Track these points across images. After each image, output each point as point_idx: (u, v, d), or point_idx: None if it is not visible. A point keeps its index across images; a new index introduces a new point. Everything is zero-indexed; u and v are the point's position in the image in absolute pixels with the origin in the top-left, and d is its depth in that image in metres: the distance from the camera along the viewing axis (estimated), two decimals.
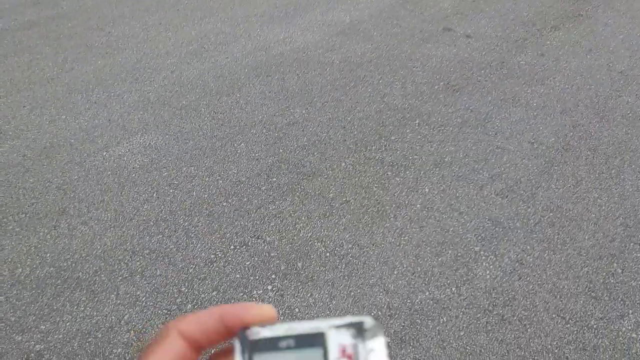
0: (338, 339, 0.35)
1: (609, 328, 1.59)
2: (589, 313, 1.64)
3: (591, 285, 1.73)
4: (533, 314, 1.64)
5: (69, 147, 2.57)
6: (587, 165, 2.28)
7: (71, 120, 2.80)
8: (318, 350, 0.35)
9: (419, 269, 1.81)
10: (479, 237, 1.93)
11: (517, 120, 2.63)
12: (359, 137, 2.54)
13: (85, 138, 2.63)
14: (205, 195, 2.21)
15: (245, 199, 2.18)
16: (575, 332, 1.58)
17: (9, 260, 1.93)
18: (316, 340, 0.36)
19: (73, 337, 1.64)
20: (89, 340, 1.63)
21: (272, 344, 0.35)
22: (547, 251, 1.86)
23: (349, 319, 0.36)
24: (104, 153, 2.51)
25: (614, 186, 2.15)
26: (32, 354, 1.59)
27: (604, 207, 2.05)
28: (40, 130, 2.72)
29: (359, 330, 0.36)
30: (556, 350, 1.53)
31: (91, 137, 2.64)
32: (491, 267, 1.81)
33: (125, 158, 2.47)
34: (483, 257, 1.84)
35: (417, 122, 2.65)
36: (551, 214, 2.03)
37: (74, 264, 1.90)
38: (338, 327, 0.36)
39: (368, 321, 0.36)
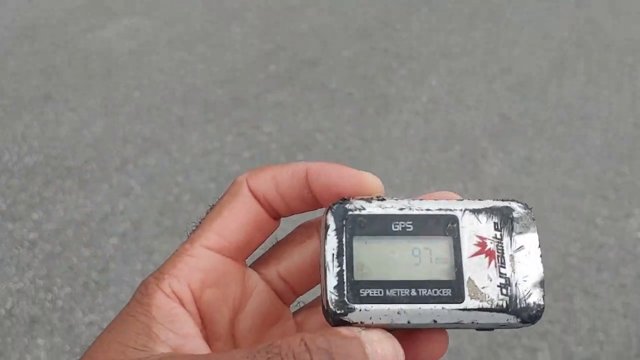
0: (475, 227, 0.26)
1: (615, 227, 1.57)
2: (595, 212, 1.61)
3: (599, 184, 1.69)
4: (540, 212, 1.61)
5: (51, 28, 2.39)
6: (600, 63, 2.18)
7: None
8: (445, 240, 0.26)
9: (425, 164, 1.75)
10: (488, 133, 1.86)
11: (529, 12, 2.49)
12: (362, 25, 2.39)
13: (67, 19, 2.45)
14: (200, 83, 2.09)
15: (241, 88, 2.07)
16: (582, 230, 1.56)
17: None
18: (443, 225, 0.26)
19: (67, 227, 1.59)
20: (84, 229, 1.58)
21: (381, 225, 0.26)
22: (556, 149, 1.81)
23: (491, 202, 0.26)
24: (89, 36, 2.34)
25: (626, 84, 2.07)
26: (26, 242, 1.54)
27: (615, 106, 1.98)
28: (18, 10, 2.52)
29: (505, 220, 0.26)
30: (562, 248, 1.51)
31: (73, 18, 2.45)
32: (499, 163, 1.75)
33: (111, 42, 2.31)
34: (491, 154, 1.79)
35: (424, 10, 2.49)
36: (562, 111, 1.95)
37: (63, 152, 1.81)
38: (476, 211, 0.26)
39: (518, 208, 0.27)
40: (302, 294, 0.32)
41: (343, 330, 0.24)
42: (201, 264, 0.27)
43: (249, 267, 0.31)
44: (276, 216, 0.30)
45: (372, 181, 0.28)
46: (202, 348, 0.26)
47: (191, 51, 2.25)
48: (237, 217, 0.28)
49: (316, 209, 0.29)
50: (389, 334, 0.25)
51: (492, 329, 0.26)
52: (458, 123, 1.90)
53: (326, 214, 0.26)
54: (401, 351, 0.24)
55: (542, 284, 0.25)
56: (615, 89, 2.05)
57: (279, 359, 0.22)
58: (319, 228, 0.30)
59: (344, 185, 0.28)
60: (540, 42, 2.29)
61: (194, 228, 0.29)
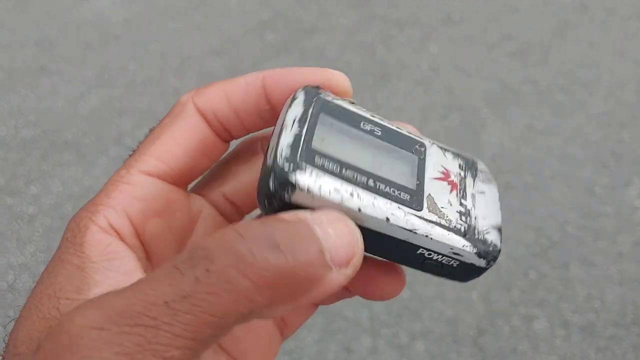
0: (441, 159, 0.25)
1: (613, 195, 1.57)
2: (595, 180, 1.61)
3: (599, 153, 1.68)
4: (539, 181, 1.60)
5: None
6: (602, 28, 2.15)
7: None
8: (411, 156, 0.24)
9: (424, 133, 1.73)
10: (487, 101, 1.84)
11: None
12: None
13: None
14: (196, 53, 2.06)
15: (238, 57, 2.04)
16: (581, 199, 1.56)
17: None
18: (411, 145, 0.25)
19: (66, 200, 1.59)
20: (83, 203, 1.58)
21: (350, 118, 0.24)
22: (556, 117, 1.79)
23: (458, 150, 0.27)
24: (83, 5, 2.30)
25: (630, 51, 2.04)
26: (26, 216, 1.55)
27: (617, 73, 1.95)
28: None
29: (470, 165, 0.26)
30: (560, 217, 1.51)
31: None
32: (499, 132, 1.74)
33: (106, 12, 2.27)
34: (491, 122, 1.77)
35: None
36: (563, 78, 1.93)
37: (59, 125, 1.80)
38: (444, 148, 0.26)
39: (482, 164, 0.27)
40: (248, 214, 0.29)
41: (285, 215, 0.20)
42: (140, 191, 0.24)
43: (192, 190, 0.28)
44: (228, 138, 0.26)
45: (340, 79, 0.25)
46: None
47: (186, 20, 2.22)
48: (180, 140, 0.25)
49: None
50: (341, 213, 0.21)
51: (442, 266, 0.23)
52: (458, 91, 1.88)
53: (296, 91, 0.24)
54: (357, 232, 0.21)
55: (500, 230, 0.24)
56: (618, 55, 2.02)
57: (208, 264, 0.18)
58: (264, 144, 0.28)
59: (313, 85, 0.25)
60: (542, 7, 2.25)
61: (130, 153, 0.26)
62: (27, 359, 0.20)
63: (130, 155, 0.25)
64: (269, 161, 0.21)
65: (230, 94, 0.26)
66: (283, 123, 0.22)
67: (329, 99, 0.24)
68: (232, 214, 0.28)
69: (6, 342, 0.22)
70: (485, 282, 1.37)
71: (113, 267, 0.22)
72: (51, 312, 0.21)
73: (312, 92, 0.24)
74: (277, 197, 0.21)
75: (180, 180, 0.25)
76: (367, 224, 0.22)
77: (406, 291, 1.34)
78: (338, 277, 0.19)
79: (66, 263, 0.22)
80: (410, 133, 0.25)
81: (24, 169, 1.67)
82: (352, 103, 0.25)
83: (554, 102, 1.84)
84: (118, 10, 2.27)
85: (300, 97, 0.23)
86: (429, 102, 1.84)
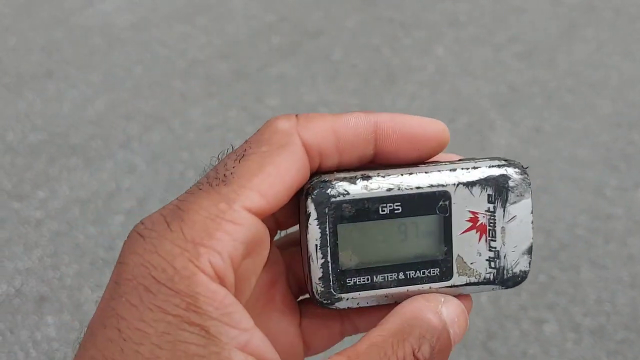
0: (467, 202, 0.25)
1: (624, 197, 1.56)
2: (604, 182, 1.60)
3: (608, 154, 1.67)
4: (548, 183, 1.59)
5: (50, 3, 2.36)
6: (610, 28, 2.13)
7: None
8: (436, 218, 0.24)
9: None
10: (495, 103, 1.83)
11: None
12: None
13: None
14: (201, 56, 2.07)
15: (243, 61, 2.04)
16: (590, 200, 1.55)
17: None
18: (434, 204, 0.24)
19: (73, 205, 1.59)
20: (90, 207, 1.58)
21: (367, 209, 0.23)
22: (565, 118, 1.78)
23: (487, 171, 0.25)
24: (89, 10, 2.31)
25: (637, 51, 2.03)
26: (33, 221, 1.55)
27: (625, 73, 1.94)
28: None
29: (500, 190, 0.25)
30: (569, 219, 1.50)
31: None
32: (507, 134, 1.73)
33: (111, 16, 2.28)
34: (499, 124, 1.76)
35: None
36: (571, 79, 1.92)
37: (66, 130, 1.81)
38: (470, 184, 0.25)
39: (514, 175, 0.26)
40: (285, 229, 0.28)
41: (432, 318, 0.24)
42: (245, 234, 0.21)
43: None
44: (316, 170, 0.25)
45: (444, 134, 0.26)
46: (265, 341, 0.21)
47: (192, 24, 2.22)
48: (285, 177, 0.22)
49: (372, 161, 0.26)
50: (463, 307, 0.26)
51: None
52: (465, 93, 1.87)
53: (305, 200, 0.24)
54: (467, 318, 0.26)
55: (530, 250, 0.26)
56: (626, 56, 2.01)
57: None
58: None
59: (424, 145, 0.24)
60: (549, 8, 2.24)
61: (216, 176, 0.23)
62: None
63: (222, 181, 0.22)
64: (310, 291, 0.24)
65: (340, 133, 0.24)
66: (308, 252, 0.23)
67: (341, 198, 0.23)
68: (273, 228, 0.27)
69: None
70: None
71: (233, 323, 0.20)
72: None
73: (323, 199, 0.23)
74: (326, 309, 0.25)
75: (273, 219, 0.25)
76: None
77: None
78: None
79: (183, 322, 0.19)
80: (432, 186, 0.24)
81: (31, 174, 1.67)
82: (366, 177, 0.24)
83: (562, 104, 1.83)
84: (124, 15, 2.28)
85: (313, 213, 0.23)
86: (435, 104, 1.84)
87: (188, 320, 0.19)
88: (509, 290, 1.33)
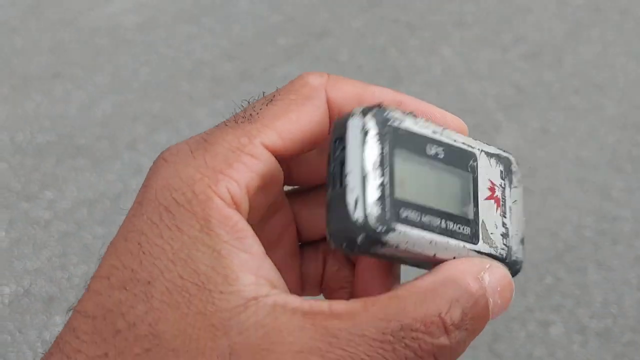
0: (488, 171, 0.26)
1: (630, 199, 1.56)
2: (610, 183, 1.60)
3: (614, 156, 1.67)
4: (554, 185, 1.59)
5: (56, 4, 2.37)
6: (617, 29, 2.13)
7: None
8: (469, 176, 0.25)
9: None
10: (501, 104, 1.84)
11: None
12: None
13: None
14: (207, 57, 2.07)
15: (249, 62, 2.05)
16: (597, 202, 1.55)
17: (7, 126, 1.84)
18: (467, 161, 0.25)
19: (81, 205, 1.60)
20: (97, 208, 1.59)
21: (418, 144, 0.24)
22: (570, 120, 1.78)
23: (496, 149, 0.27)
24: (95, 11, 2.32)
25: None
26: (42, 221, 1.56)
27: (631, 74, 1.94)
28: None
29: (507, 170, 0.27)
30: (576, 221, 1.50)
31: None
32: (513, 135, 1.73)
33: (118, 17, 2.29)
34: (504, 125, 1.76)
35: None
36: (576, 80, 1.92)
37: (73, 130, 1.82)
38: (489, 154, 0.27)
39: (514, 162, 0.28)
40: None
41: (471, 284, 0.22)
42: (261, 167, 0.22)
43: None
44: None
45: (460, 124, 0.27)
46: (275, 270, 0.22)
47: (198, 24, 2.23)
48: (305, 125, 0.24)
49: None
50: (509, 277, 0.24)
51: None
52: (470, 94, 1.88)
53: (364, 116, 0.23)
54: (513, 285, 0.24)
55: (523, 241, 0.26)
56: (632, 56, 2.00)
57: (417, 346, 0.20)
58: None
59: (443, 122, 0.26)
60: (555, 8, 2.24)
61: (244, 115, 0.24)
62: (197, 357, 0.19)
63: (247, 119, 0.23)
64: (358, 217, 0.21)
65: (364, 100, 0.25)
66: (363, 170, 0.22)
67: (397, 124, 0.23)
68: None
69: (132, 322, 0.20)
70: None
71: (245, 248, 0.21)
72: (207, 308, 0.20)
73: (382, 119, 0.23)
74: (362, 249, 0.21)
75: (286, 164, 0.25)
76: (436, 261, 0.23)
77: None
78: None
79: (196, 242, 0.20)
80: (464, 143, 0.26)
81: (39, 174, 1.69)
82: (414, 116, 0.24)
83: (568, 105, 1.83)
84: (130, 16, 2.29)
85: (372, 130, 0.22)
86: (441, 105, 1.81)
87: (201, 241, 0.20)
88: (515, 291, 1.33)
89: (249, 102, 0.26)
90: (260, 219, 0.24)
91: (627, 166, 1.64)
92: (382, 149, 0.22)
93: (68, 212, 1.58)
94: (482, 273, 0.22)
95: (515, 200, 0.26)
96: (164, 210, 0.21)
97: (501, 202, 0.25)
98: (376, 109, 0.23)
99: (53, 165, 1.71)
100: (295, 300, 0.21)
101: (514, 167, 0.27)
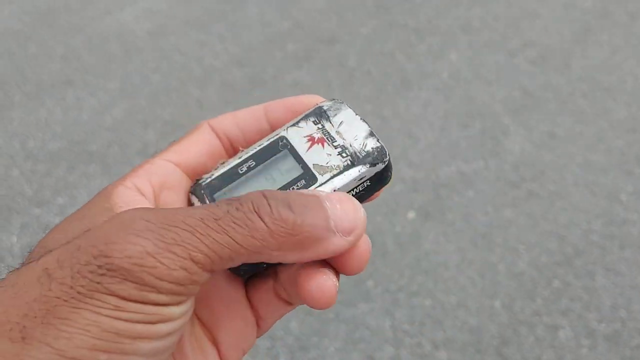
0: (300, 132, 0.30)
1: (639, 202, 1.55)
2: (619, 187, 1.59)
3: (623, 159, 1.67)
4: (562, 188, 1.59)
5: (69, 12, 2.41)
6: (625, 33, 2.12)
7: None
8: (283, 154, 0.30)
9: (445, 142, 1.74)
10: (509, 108, 1.83)
11: None
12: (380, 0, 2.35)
13: (85, 2, 2.46)
14: (217, 64, 2.09)
15: (259, 68, 2.06)
16: (605, 206, 1.54)
17: (19, 133, 1.87)
18: (277, 146, 0.30)
19: None
20: None
21: (230, 175, 0.30)
22: (579, 123, 1.78)
23: (304, 113, 0.31)
24: (107, 19, 2.35)
25: None
26: (53, 226, 1.58)
27: None
28: None
29: (319, 114, 0.31)
30: (584, 224, 1.50)
31: (92, 1, 2.46)
32: (520, 139, 1.73)
33: (129, 24, 2.31)
34: (512, 130, 1.76)
35: None
36: (584, 84, 1.91)
37: (85, 137, 1.84)
38: (295, 123, 0.31)
39: (325, 104, 0.31)
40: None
41: (304, 190, 0.26)
42: (160, 170, 0.29)
43: None
44: (233, 152, 0.32)
45: (312, 100, 0.32)
46: (146, 202, 0.29)
47: (208, 31, 2.25)
48: (195, 144, 0.31)
49: None
50: (349, 195, 0.27)
51: (364, 192, 0.29)
52: (478, 99, 1.88)
53: (189, 196, 0.31)
54: (362, 210, 0.26)
55: (372, 134, 0.29)
56: None
57: (238, 204, 0.24)
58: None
59: (294, 111, 0.31)
60: (563, 12, 2.23)
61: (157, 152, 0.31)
62: (69, 242, 0.24)
63: (157, 153, 0.31)
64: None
65: (239, 118, 0.32)
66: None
67: (208, 179, 0.30)
68: None
69: (30, 250, 0.27)
70: (508, 291, 1.36)
71: (132, 209, 0.26)
72: (78, 228, 0.26)
73: (197, 186, 0.30)
74: None
75: (192, 172, 0.31)
76: None
77: (428, 299, 1.34)
78: (341, 241, 0.25)
79: (95, 206, 0.27)
80: (270, 139, 0.30)
81: (51, 180, 1.71)
82: (223, 162, 0.31)
83: (576, 108, 1.83)
84: (141, 23, 2.31)
85: (194, 198, 0.30)
86: (449, 110, 1.84)
87: (100, 206, 0.28)
88: (523, 296, 1.32)
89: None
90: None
91: (636, 169, 1.63)
92: (204, 202, 0.29)
93: None
94: (329, 220, 0.25)
95: (341, 122, 0.30)
96: (94, 198, 0.29)
97: (325, 137, 0.30)
98: (192, 185, 0.31)
99: (64, 171, 1.73)
100: (144, 204, 0.28)
101: (326, 106, 0.30)
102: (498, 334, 1.29)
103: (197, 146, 0.31)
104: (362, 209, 0.26)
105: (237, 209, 0.24)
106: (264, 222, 0.24)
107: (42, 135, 1.85)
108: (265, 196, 0.24)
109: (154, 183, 0.29)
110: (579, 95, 1.88)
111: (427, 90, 1.92)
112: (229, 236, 0.23)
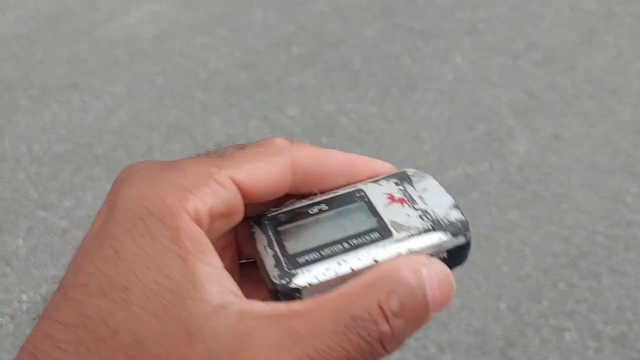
0: (380, 189, 0.29)
1: None
2: (625, 189, 1.58)
3: (629, 161, 1.66)
4: (567, 190, 1.58)
5: (74, 16, 2.42)
6: (630, 34, 2.12)
7: None
8: (358, 204, 0.28)
9: (450, 144, 1.74)
10: (514, 111, 1.83)
11: None
12: (385, 2, 2.36)
13: (90, 6, 2.47)
14: (222, 67, 2.10)
15: (264, 71, 2.07)
16: (610, 208, 1.54)
17: (25, 136, 1.88)
18: (353, 196, 0.29)
19: (96, 213, 1.62)
20: None
21: (299, 214, 0.28)
22: (584, 125, 1.77)
23: (386, 174, 0.30)
24: (112, 23, 2.36)
25: None
26: (59, 230, 1.58)
27: None
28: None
29: (403, 177, 0.29)
30: (589, 226, 1.49)
31: (96, 5, 2.48)
32: (526, 142, 1.73)
33: (134, 28, 2.33)
34: (517, 132, 1.76)
35: None
36: (590, 86, 1.91)
37: (90, 140, 1.85)
38: (376, 180, 0.29)
39: (410, 170, 0.30)
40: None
41: (408, 276, 0.23)
42: (226, 195, 0.24)
43: None
44: (302, 192, 0.29)
45: (393, 167, 0.30)
46: (232, 280, 0.23)
47: (212, 35, 2.25)
48: (269, 175, 0.26)
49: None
50: (448, 270, 0.24)
51: (444, 259, 0.27)
52: (484, 101, 1.88)
53: (251, 226, 0.28)
54: (453, 284, 0.24)
55: (457, 206, 0.27)
56: None
57: (366, 334, 0.22)
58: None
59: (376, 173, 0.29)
60: (568, 14, 2.23)
61: (215, 152, 0.26)
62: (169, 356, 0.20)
63: (219, 156, 0.26)
64: (270, 286, 0.25)
65: (324, 162, 0.28)
66: (258, 253, 0.27)
67: (275, 212, 0.28)
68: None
69: (93, 325, 0.21)
70: (513, 293, 1.36)
71: (207, 260, 0.22)
72: (182, 313, 0.21)
73: (261, 216, 0.28)
74: (289, 299, 0.25)
75: (250, 200, 0.27)
76: (362, 270, 0.26)
77: None
78: (430, 318, 0.24)
79: (168, 250, 0.22)
80: (346, 188, 0.29)
81: (56, 183, 1.72)
82: (293, 202, 0.29)
83: (582, 110, 1.83)
84: (146, 27, 2.32)
85: (256, 227, 0.28)
86: (454, 112, 1.84)
87: (171, 250, 0.22)
88: (528, 298, 1.32)
89: (219, 146, 0.28)
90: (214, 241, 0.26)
91: None
92: (267, 233, 0.27)
93: (85, 220, 1.61)
94: (420, 267, 0.23)
95: (425, 189, 0.28)
96: (137, 218, 0.22)
97: (406, 199, 0.28)
98: (258, 217, 0.29)
99: (70, 174, 1.74)
100: (258, 305, 0.22)
101: (410, 172, 0.29)
102: (503, 336, 1.29)
103: (272, 177, 0.26)
104: (451, 277, 0.24)
105: (360, 335, 0.22)
106: (386, 350, 0.22)
107: (48, 138, 1.86)
108: (386, 316, 0.22)
109: (214, 212, 0.24)
110: (584, 97, 1.87)
111: (432, 93, 1.92)
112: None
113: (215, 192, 0.24)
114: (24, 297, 1.44)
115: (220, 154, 0.26)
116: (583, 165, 1.65)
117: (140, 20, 2.36)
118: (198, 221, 0.23)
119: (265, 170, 0.26)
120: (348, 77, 2.01)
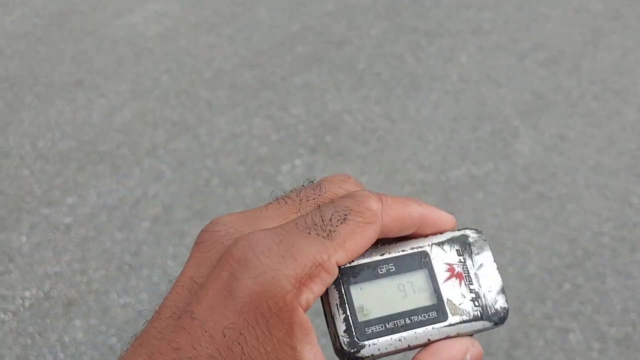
0: (442, 257, 0.32)
1: None
2: (630, 190, 1.57)
3: (634, 162, 1.65)
4: (573, 191, 1.58)
5: (80, 14, 2.43)
6: (636, 35, 2.11)
7: None
8: (422, 272, 0.31)
9: (455, 144, 1.73)
10: (519, 111, 1.82)
11: None
12: (390, 2, 2.35)
13: (95, 5, 2.48)
14: (227, 66, 2.10)
15: (269, 70, 2.06)
16: (616, 209, 1.53)
17: (30, 133, 1.88)
18: (418, 261, 0.32)
19: (100, 211, 1.62)
20: (117, 213, 1.61)
21: (369, 271, 0.31)
22: (590, 126, 1.76)
23: (449, 234, 0.33)
24: (117, 21, 2.36)
25: None
26: (62, 227, 1.58)
27: None
28: None
29: (464, 246, 0.32)
30: (595, 227, 1.48)
31: (102, 4, 2.48)
32: (531, 142, 1.72)
33: (139, 26, 2.33)
34: (522, 132, 1.75)
35: None
36: (595, 86, 1.90)
37: (95, 137, 1.85)
38: (440, 243, 0.32)
39: (472, 234, 0.33)
40: None
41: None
42: (330, 280, 0.28)
43: None
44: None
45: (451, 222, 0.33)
46: (322, 355, 0.28)
47: (218, 34, 2.25)
48: (364, 245, 0.30)
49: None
50: (475, 342, 0.30)
51: (471, 335, 0.31)
52: (488, 101, 1.87)
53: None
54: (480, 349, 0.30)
55: (503, 290, 0.31)
56: None
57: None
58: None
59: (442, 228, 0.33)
60: (574, 15, 2.22)
61: (325, 230, 0.29)
62: None
63: (327, 237, 0.29)
64: (339, 347, 0.29)
65: (404, 221, 0.31)
66: (331, 312, 0.30)
67: (349, 265, 0.31)
68: None
69: None
70: (518, 294, 1.35)
71: (309, 341, 0.27)
72: None
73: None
74: None
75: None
76: (417, 347, 0.30)
77: None
78: None
79: (283, 344, 0.26)
80: (413, 248, 0.31)
81: (60, 180, 1.72)
82: (364, 255, 0.31)
83: (587, 111, 1.82)
84: (151, 25, 2.32)
85: (331, 285, 0.30)
86: (459, 112, 1.83)
87: (285, 343, 0.26)
88: (533, 298, 1.31)
89: (311, 182, 0.32)
90: None
91: None
92: (340, 291, 0.30)
93: (88, 217, 1.61)
94: (467, 355, 0.28)
95: (481, 264, 0.31)
96: (260, 315, 0.26)
97: (464, 275, 0.31)
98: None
99: (74, 172, 1.74)
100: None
101: (472, 239, 0.32)
102: (508, 336, 1.28)
103: (365, 247, 0.30)
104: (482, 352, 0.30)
105: None
106: None
107: (52, 135, 1.86)
108: None
109: (317, 293, 0.28)
110: (589, 97, 1.86)
111: (437, 93, 1.91)
112: None
113: (324, 281, 0.28)
114: (27, 294, 1.44)
115: (328, 231, 0.29)
116: (588, 165, 1.64)
117: (146, 18, 2.36)
118: (306, 307, 0.27)
119: (362, 246, 0.29)
120: (352, 76, 2.01)
